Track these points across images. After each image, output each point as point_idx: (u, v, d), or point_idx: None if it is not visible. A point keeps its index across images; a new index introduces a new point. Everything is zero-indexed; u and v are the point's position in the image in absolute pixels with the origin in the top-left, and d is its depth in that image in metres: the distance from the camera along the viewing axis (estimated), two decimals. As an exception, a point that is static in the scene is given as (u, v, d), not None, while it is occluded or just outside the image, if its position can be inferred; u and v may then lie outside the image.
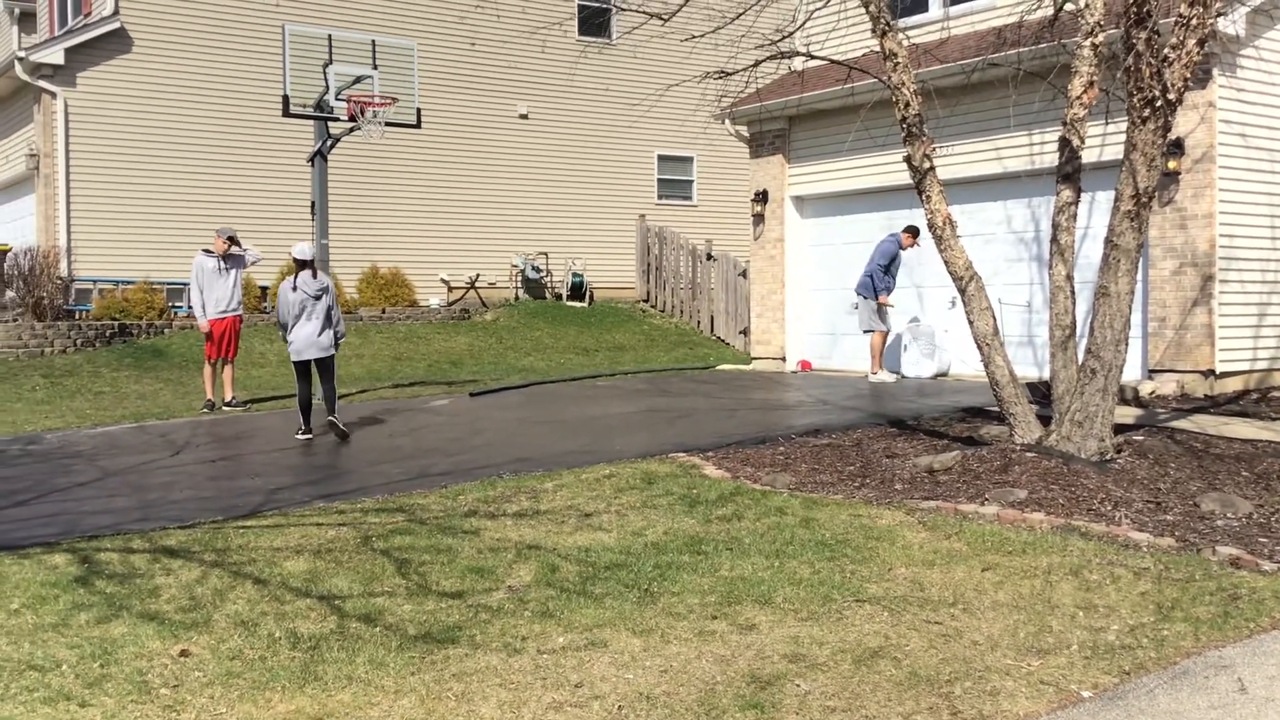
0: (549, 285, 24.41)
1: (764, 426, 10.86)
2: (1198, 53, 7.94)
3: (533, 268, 23.89)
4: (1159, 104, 7.94)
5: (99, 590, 6.02)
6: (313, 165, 14.02)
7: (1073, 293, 8.94)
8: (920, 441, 9.66)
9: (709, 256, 22.68)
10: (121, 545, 6.89)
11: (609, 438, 10.55)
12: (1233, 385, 12.40)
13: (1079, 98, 8.88)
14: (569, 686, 4.80)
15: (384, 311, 21.65)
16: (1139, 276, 8.69)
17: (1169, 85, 7.90)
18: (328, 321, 11.40)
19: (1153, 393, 12.02)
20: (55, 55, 19.83)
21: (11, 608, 5.78)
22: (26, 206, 21.44)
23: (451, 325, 21.63)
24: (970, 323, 9.23)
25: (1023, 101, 12.60)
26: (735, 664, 5.01)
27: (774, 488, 8.13)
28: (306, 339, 11.31)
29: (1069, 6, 10.12)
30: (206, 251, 13.79)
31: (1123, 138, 8.37)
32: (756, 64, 10.43)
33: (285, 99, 13.43)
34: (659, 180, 25.80)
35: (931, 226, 9.33)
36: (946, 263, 9.29)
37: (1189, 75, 7.99)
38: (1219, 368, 12.21)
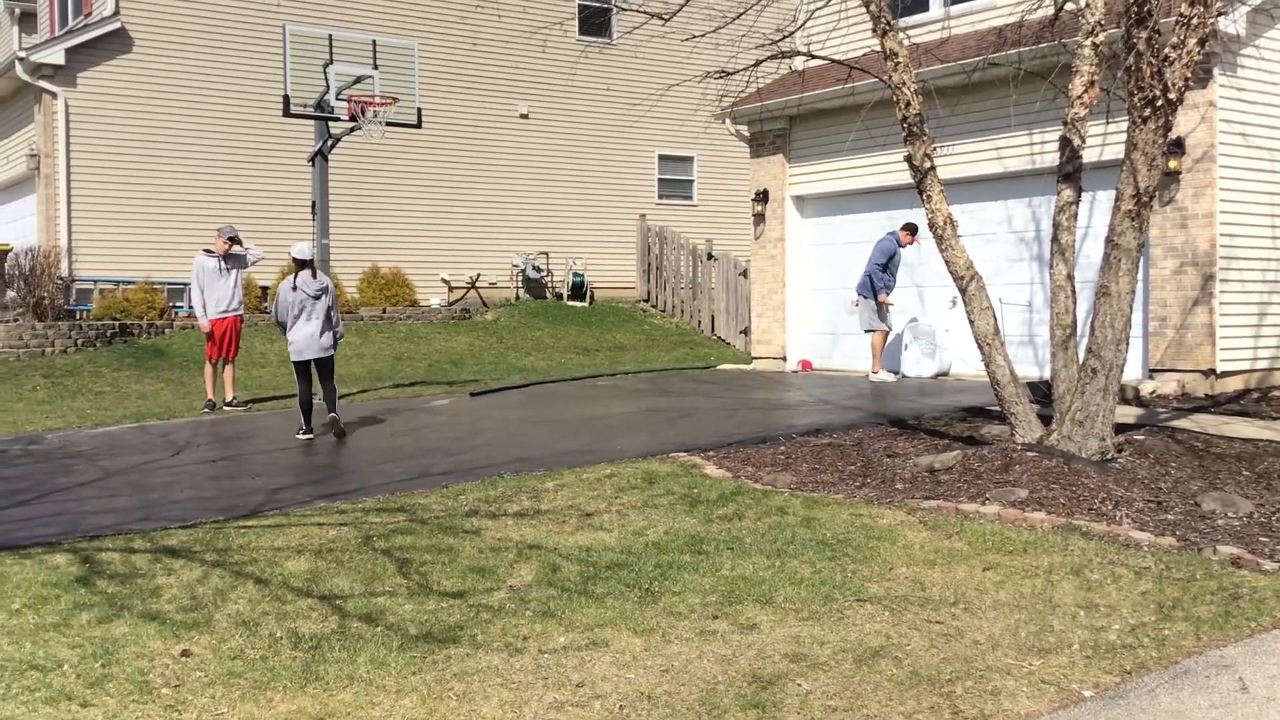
0: (550, 285, 24.41)
1: (765, 426, 10.86)
2: (1198, 52, 7.94)
3: (533, 267, 23.89)
4: (1160, 103, 7.94)
5: (100, 590, 6.02)
6: (313, 165, 14.02)
7: (1073, 292, 8.94)
8: (921, 441, 9.66)
9: (709, 256, 22.68)
10: (123, 545, 6.89)
11: (610, 437, 10.55)
12: (1233, 384, 12.40)
13: (1079, 97, 8.88)
14: (570, 686, 4.81)
15: (384, 311, 21.65)
16: (1140, 276, 8.69)
17: (1170, 85, 7.90)
18: (328, 322, 11.42)
19: (1153, 392, 12.02)
20: (56, 55, 19.83)
21: (13, 607, 5.78)
22: (27, 206, 21.45)
23: (452, 325, 21.63)
24: (971, 322, 9.23)
25: (1023, 101, 12.60)
26: (736, 663, 5.02)
27: (775, 487, 8.13)
28: (307, 339, 11.33)
29: (1069, 6, 10.12)
30: (207, 251, 13.80)
31: (1123, 137, 8.37)
32: (757, 64, 10.43)
33: (286, 99, 13.43)
34: (659, 180, 25.80)
35: (932, 226, 9.33)
36: (947, 262, 9.29)
37: (1190, 75, 7.99)
38: (1220, 367, 12.21)
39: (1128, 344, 8.45)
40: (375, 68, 13.75)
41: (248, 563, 6.49)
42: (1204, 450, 8.81)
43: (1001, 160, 13.96)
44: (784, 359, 16.85)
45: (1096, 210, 12.26)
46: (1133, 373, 11.95)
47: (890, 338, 14.96)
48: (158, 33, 20.72)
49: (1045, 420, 8.92)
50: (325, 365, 11.44)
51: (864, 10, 9.57)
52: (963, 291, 9.26)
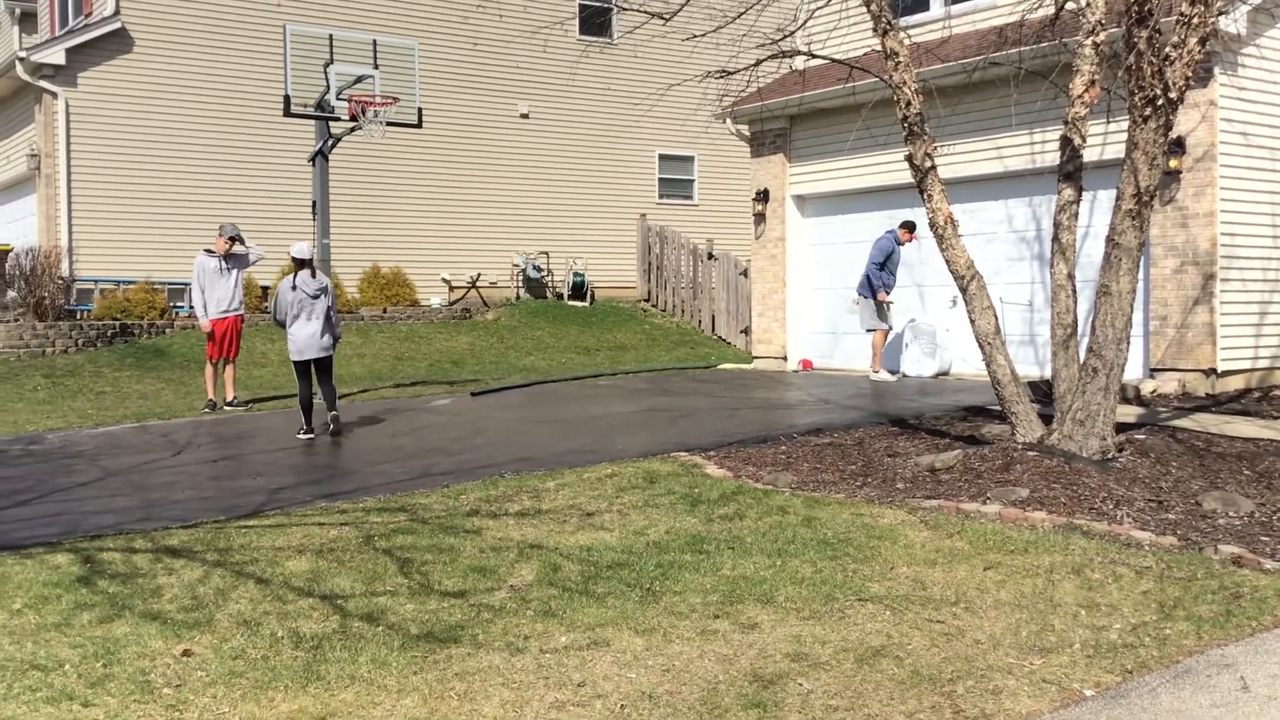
0: (550, 285, 24.41)
1: (765, 426, 10.86)
2: (1199, 51, 7.94)
3: (534, 267, 23.89)
4: (1160, 103, 7.94)
5: (101, 590, 6.02)
6: (314, 165, 14.02)
7: (1074, 291, 8.94)
8: (922, 440, 9.66)
9: (710, 256, 22.68)
10: (124, 545, 6.89)
11: (610, 437, 10.55)
12: (1234, 384, 12.40)
13: (1080, 96, 8.88)
14: (571, 686, 4.81)
15: (385, 311, 21.66)
16: (1140, 275, 8.69)
17: (1170, 84, 7.90)
18: (328, 322, 11.47)
19: (1154, 391, 12.02)
20: (56, 55, 19.84)
21: (14, 607, 5.78)
22: (28, 206, 21.45)
23: (453, 325, 21.63)
24: (972, 321, 9.23)
25: (1024, 100, 12.60)
26: (737, 663, 5.02)
27: (776, 487, 8.13)
28: (308, 339, 11.36)
29: (1070, 5, 10.12)
30: (208, 251, 13.80)
31: (1124, 136, 8.37)
32: (758, 63, 10.43)
33: (286, 99, 13.43)
34: (660, 180, 25.80)
35: (933, 225, 9.33)
36: (948, 262, 9.29)
37: (1190, 74, 7.99)
38: (1220, 366, 12.20)
39: (1128, 343, 8.45)
40: (376, 67, 13.75)
41: (249, 562, 6.49)
42: (1205, 449, 8.80)
43: (1002, 159, 13.96)
44: (785, 358, 16.85)
45: (1097, 209, 12.25)
46: (1133, 372, 11.94)
47: (890, 337, 14.96)
48: (158, 32, 20.73)
49: (1046, 420, 8.92)
50: (324, 365, 11.49)
51: (865, 10, 9.57)
52: (963, 291, 9.26)
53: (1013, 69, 11.82)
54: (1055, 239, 9.00)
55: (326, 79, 13.41)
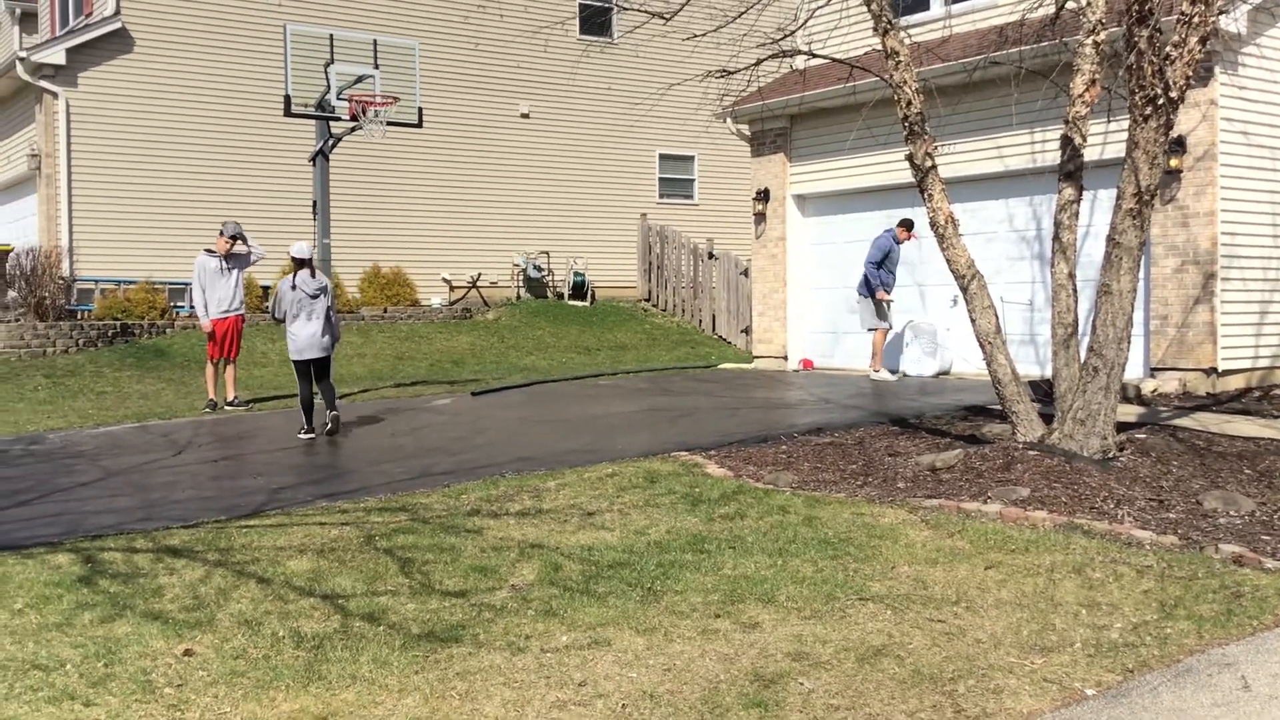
0: (551, 284, 24.42)
1: (766, 425, 10.86)
2: (1200, 50, 7.94)
3: (534, 267, 23.90)
4: (1161, 102, 7.94)
5: (103, 590, 6.03)
6: (314, 165, 14.02)
7: (1075, 291, 8.94)
8: (923, 440, 9.66)
9: (710, 255, 22.68)
10: (125, 545, 6.90)
11: (611, 437, 10.56)
12: (1235, 383, 12.39)
13: (1081, 96, 8.88)
14: (573, 685, 4.81)
15: (386, 311, 21.66)
16: (1141, 274, 8.69)
17: (1171, 83, 7.90)
18: (328, 322, 11.49)
19: (1155, 391, 12.02)
20: (57, 55, 19.84)
21: (15, 607, 5.78)
22: (28, 206, 21.45)
23: (453, 324, 21.63)
24: (972, 321, 9.23)
25: (1024, 100, 12.59)
26: (739, 662, 5.02)
27: (776, 486, 8.13)
28: (309, 339, 11.38)
29: (1070, 4, 10.12)
30: (208, 251, 13.80)
31: (1124, 136, 8.37)
32: (758, 63, 10.43)
33: (287, 99, 13.43)
34: (660, 179, 25.80)
35: (934, 225, 9.33)
36: (949, 261, 9.29)
37: (1191, 73, 7.99)
38: (1221, 365, 12.20)
39: (1129, 342, 8.45)
40: (376, 67, 13.75)
41: (250, 562, 6.49)
42: (1205, 449, 8.80)
43: (1003, 159, 13.96)
44: (785, 358, 16.85)
45: (1098, 209, 12.25)
46: (1134, 371, 11.94)
47: (890, 336, 14.96)
48: (158, 32, 20.73)
49: (1047, 419, 8.92)
50: (323, 364, 11.52)
51: (865, 9, 9.57)
52: (964, 290, 9.26)
53: (1013, 68, 11.82)
54: (1056, 238, 9.00)
55: (327, 79, 13.41)
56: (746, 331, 20.13)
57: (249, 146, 21.29)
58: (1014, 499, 7.46)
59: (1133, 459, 8.34)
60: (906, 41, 9.38)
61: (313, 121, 14.11)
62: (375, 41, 13.90)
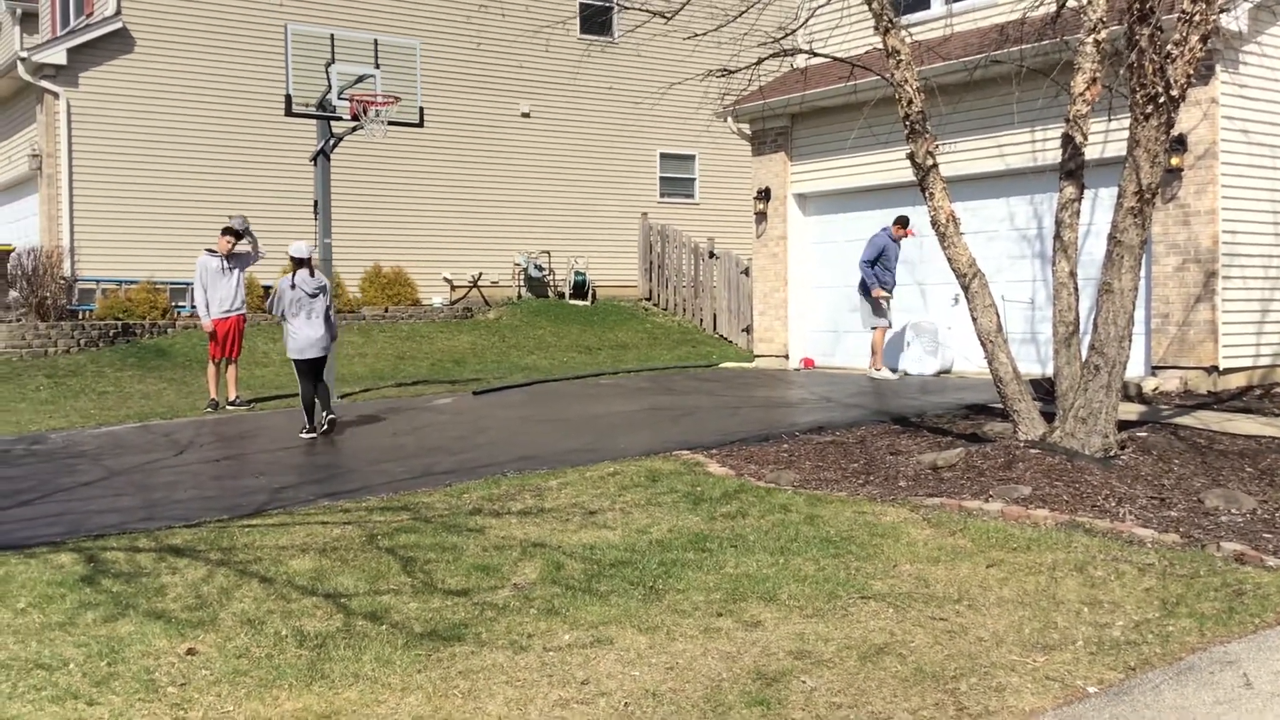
0: (552, 284, 24.42)
1: (767, 424, 10.86)
2: (1200, 49, 7.94)
3: (535, 266, 23.90)
4: (1162, 100, 7.94)
5: (105, 589, 6.03)
6: (315, 165, 14.03)
7: (1076, 289, 8.95)
8: (924, 438, 9.67)
9: (711, 254, 22.68)
10: (127, 544, 6.90)
11: (612, 436, 10.56)
12: (1236, 381, 12.39)
13: (1082, 94, 8.88)
14: (575, 684, 4.81)
15: (387, 310, 21.67)
16: (1142, 273, 8.69)
17: (1172, 81, 7.90)
18: (328, 320, 11.55)
19: (1156, 389, 12.02)
20: (58, 55, 19.85)
21: (18, 607, 5.79)
22: (29, 207, 21.46)
23: (454, 324, 21.64)
24: (973, 320, 9.24)
25: (1025, 98, 12.59)
26: (741, 661, 5.02)
27: (778, 485, 8.13)
28: (308, 338, 11.41)
29: (1071, 3, 10.12)
30: (210, 251, 13.81)
31: (1125, 134, 8.37)
32: (759, 62, 10.43)
33: (288, 98, 13.43)
34: (661, 178, 25.80)
35: (935, 224, 9.33)
36: (950, 260, 9.29)
37: (1192, 71, 7.99)
38: (1222, 364, 12.21)
39: (1130, 341, 8.45)
40: (377, 67, 13.75)
41: (252, 561, 6.50)
42: (1207, 447, 8.81)
43: (1004, 157, 13.96)
44: (786, 357, 16.85)
45: (1099, 207, 12.26)
46: (1135, 370, 11.95)
47: (890, 335, 14.96)
48: (159, 32, 20.74)
49: (1048, 417, 8.93)
50: (322, 364, 11.58)
51: (866, 8, 9.57)
52: (965, 289, 9.26)
53: (1014, 67, 11.82)
54: (1057, 237, 9.00)
55: (328, 79, 13.41)
56: (747, 330, 20.13)
57: (250, 146, 21.30)
58: (1016, 497, 7.47)
59: (1134, 457, 8.34)
60: (907, 40, 9.38)
61: (314, 121, 14.11)
62: (376, 41, 13.90)
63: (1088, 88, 8.85)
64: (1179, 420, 9.99)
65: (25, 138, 21.29)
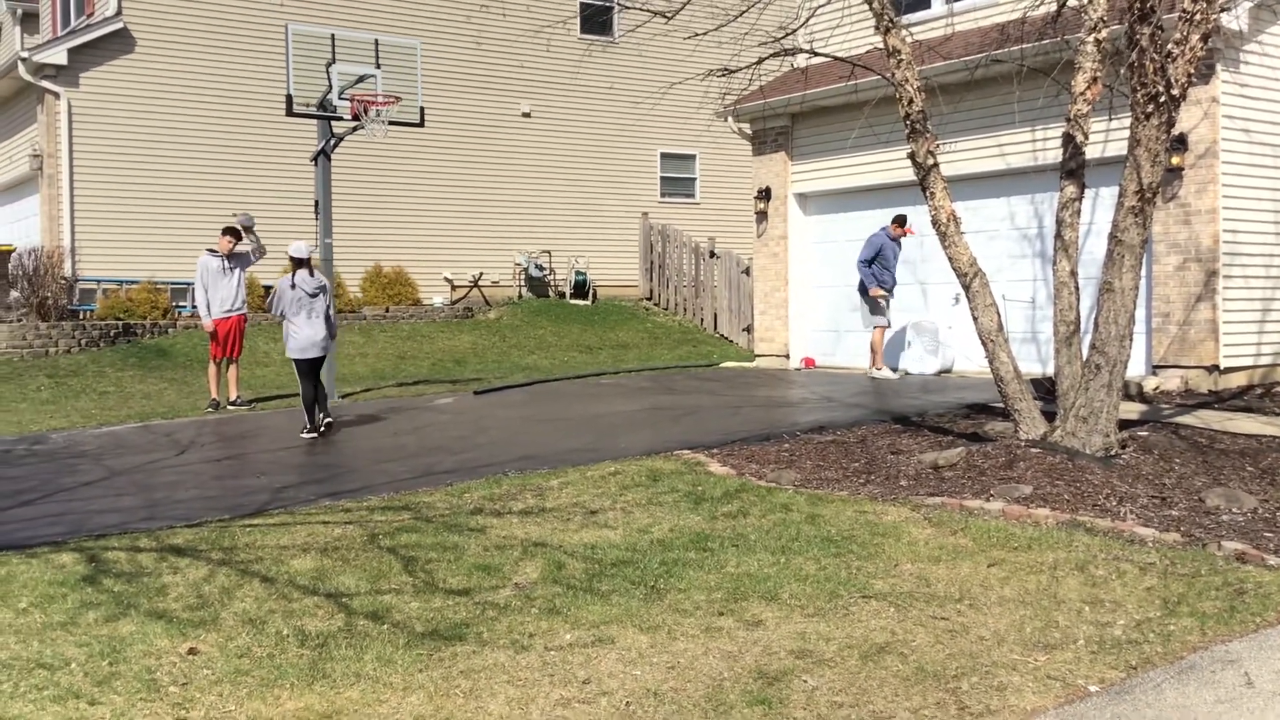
0: (552, 283, 24.42)
1: (768, 423, 10.86)
2: (1201, 48, 7.94)
3: (536, 266, 23.90)
4: (1163, 99, 7.94)
5: (107, 589, 6.04)
6: (316, 164, 14.04)
7: (1077, 289, 8.95)
8: (925, 438, 9.67)
9: (712, 254, 22.68)
10: (128, 544, 6.91)
11: (613, 435, 10.56)
12: (1237, 380, 12.39)
13: (1082, 93, 8.88)
14: (577, 683, 4.81)
15: (387, 310, 21.67)
16: (1143, 272, 8.69)
17: (1173, 81, 7.90)
18: (328, 320, 11.58)
19: (1157, 388, 12.02)
20: (58, 56, 19.86)
21: (20, 606, 5.79)
22: (30, 207, 21.47)
23: (455, 324, 21.64)
24: (974, 319, 9.24)
25: (1026, 98, 12.59)
26: (742, 660, 5.02)
27: (779, 484, 8.13)
28: (309, 338, 11.43)
29: (1072, 2, 10.12)
30: (211, 251, 13.82)
31: (1126, 133, 8.37)
32: (760, 61, 10.43)
33: (289, 98, 13.44)
34: (662, 178, 25.81)
35: (935, 223, 9.33)
36: (950, 259, 9.29)
37: (1193, 70, 7.99)
38: (1223, 363, 12.20)
39: (1131, 340, 8.45)
40: (378, 67, 13.76)
41: (253, 561, 6.50)
42: (1208, 446, 8.81)
43: (1004, 157, 13.96)
44: (787, 356, 16.85)
45: (1100, 206, 12.25)
46: (1136, 369, 11.95)
47: (890, 334, 14.96)
48: (160, 32, 20.75)
49: (1049, 417, 8.92)
50: (320, 363, 11.63)
51: (866, 7, 9.57)
52: (966, 288, 9.26)
53: (1015, 66, 11.82)
54: (1058, 236, 9.00)
55: (329, 78, 13.42)
56: (748, 330, 20.13)
57: (251, 146, 21.30)
58: (1016, 497, 7.47)
59: (1135, 456, 8.34)
60: (908, 40, 9.38)
61: (314, 121, 14.12)
62: (377, 41, 13.91)
63: (1088, 87, 8.84)
64: (1180, 419, 9.99)
65: (26, 138, 21.30)
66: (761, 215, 17.01)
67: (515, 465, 9.05)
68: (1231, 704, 4.50)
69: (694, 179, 26.18)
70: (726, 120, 17.04)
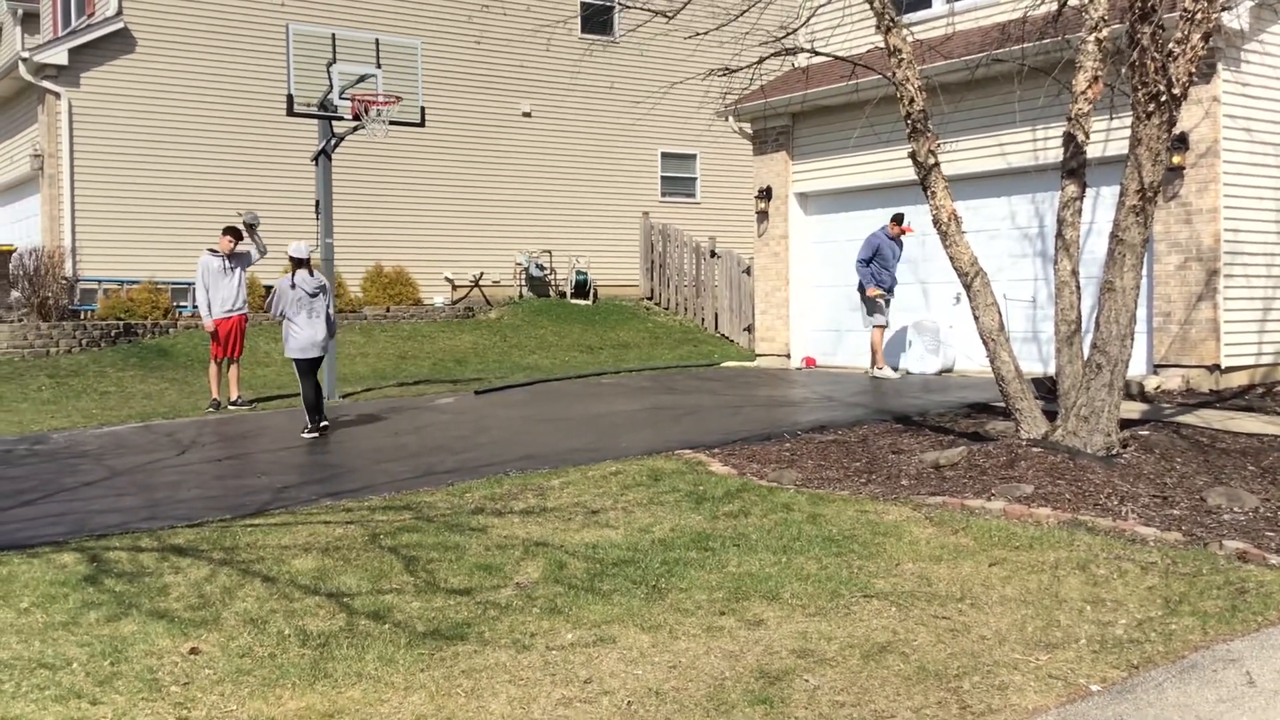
0: (553, 283, 24.42)
1: (769, 423, 10.86)
2: (1202, 47, 7.94)
3: (537, 265, 23.91)
4: (1164, 99, 7.94)
5: (108, 589, 6.04)
6: (317, 164, 14.04)
7: (1078, 288, 8.94)
8: (926, 437, 9.66)
9: (713, 254, 22.68)
10: (130, 544, 6.91)
11: (615, 435, 10.56)
12: (1238, 380, 12.39)
13: (1083, 93, 8.88)
14: (578, 682, 4.81)
15: (388, 310, 21.67)
16: (1144, 271, 8.69)
17: (1174, 80, 7.90)
18: (328, 320, 11.59)
19: (1158, 388, 12.02)
20: (59, 56, 19.87)
21: (21, 606, 5.80)
22: (31, 207, 21.48)
23: (456, 323, 21.64)
24: (975, 318, 9.23)
25: (1027, 97, 12.58)
26: (744, 659, 5.02)
27: (780, 484, 8.13)
28: (311, 339, 11.45)
29: (1072, 1, 10.12)
30: (212, 251, 13.81)
31: (1127, 133, 8.37)
32: (760, 60, 10.43)
33: (289, 98, 13.45)
34: (662, 178, 25.81)
35: (937, 222, 9.33)
36: (951, 258, 9.29)
37: (1194, 70, 7.99)
38: (1224, 362, 12.20)
39: (1132, 339, 8.45)
40: (379, 67, 13.76)
41: (255, 561, 6.50)
42: (1209, 445, 8.80)
43: (1005, 156, 13.96)
44: (788, 356, 16.85)
45: (1100, 206, 12.25)
46: (1137, 368, 11.95)
47: (891, 334, 14.96)
48: (161, 32, 20.75)
49: (1050, 416, 8.92)
50: (319, 363, 11.66)
51: (867, 7, 9.57)
52: (967, 288, 9.26)
53: (1016, 65, 11.81)
54: (1059, 235, 9.00)
55: (329, 78, 13.42)
56: (749, 330, 20.13)
57: (252, 146, 21.30)
58: (1018, 496, 7.46)
59: (1136, 456, 8.33)
60: (909, 39, 9.38)
61: (315, 121, 14.13)
62: (378, 41, 13.91)
63: (1089, 86, 8.84)
64: (1181, 419, 9.99)
65: (27, 138, 21.31)
66: (762, 215, 17.01)
67: (516, 465, 9.05)
68: (1233, 703, 4.50)
69: (695, 179, 26.18)
70: (727, 120, 17.04)
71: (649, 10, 10.67)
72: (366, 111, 13.50)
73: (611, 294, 24.47)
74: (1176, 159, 11.92)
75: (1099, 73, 8.85)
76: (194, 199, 20.75)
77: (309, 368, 11.45)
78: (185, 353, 18.02)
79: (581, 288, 24.01)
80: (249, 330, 15.46)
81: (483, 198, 23.67)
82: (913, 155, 9.35)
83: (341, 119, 13.69)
